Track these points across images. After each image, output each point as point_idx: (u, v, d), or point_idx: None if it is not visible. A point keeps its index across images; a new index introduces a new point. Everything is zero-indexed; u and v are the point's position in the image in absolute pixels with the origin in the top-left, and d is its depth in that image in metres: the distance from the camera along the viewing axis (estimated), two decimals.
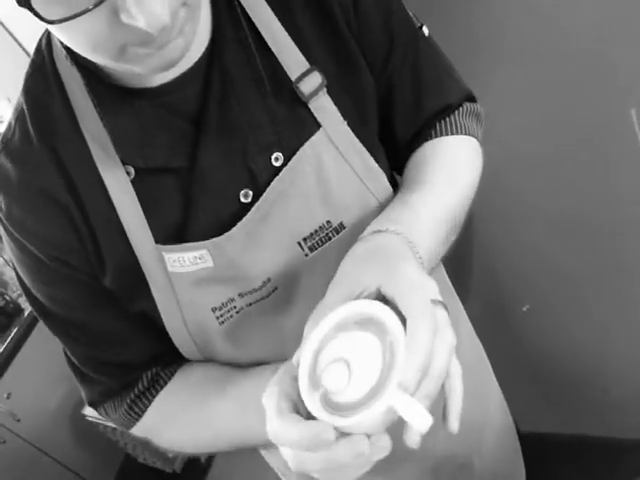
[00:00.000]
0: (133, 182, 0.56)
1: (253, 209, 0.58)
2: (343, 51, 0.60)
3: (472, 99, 0.72)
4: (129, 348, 0.65)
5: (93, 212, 0.57)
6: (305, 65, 0.58)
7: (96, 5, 0.39)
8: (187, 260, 0.57)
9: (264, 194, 0.58)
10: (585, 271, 1.24)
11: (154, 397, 0.66)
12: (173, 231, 0.57)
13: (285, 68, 0.58)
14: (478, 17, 1.03)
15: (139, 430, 0.67)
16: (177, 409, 0.65)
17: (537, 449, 1.08)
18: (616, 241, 1.17)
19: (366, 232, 0.54)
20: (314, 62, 0.59)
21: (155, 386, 0.66)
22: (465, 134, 0.68)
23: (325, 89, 0.59)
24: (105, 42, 0.44)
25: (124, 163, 0.56)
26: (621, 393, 1.36)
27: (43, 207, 0.56)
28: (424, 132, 0.68)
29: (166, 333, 0.64)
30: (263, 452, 0.88)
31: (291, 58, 0.58)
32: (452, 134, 0.68)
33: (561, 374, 1.41)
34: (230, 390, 0.61)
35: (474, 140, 0.69)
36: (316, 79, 0.58)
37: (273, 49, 0.58)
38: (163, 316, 0.60)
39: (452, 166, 0.65)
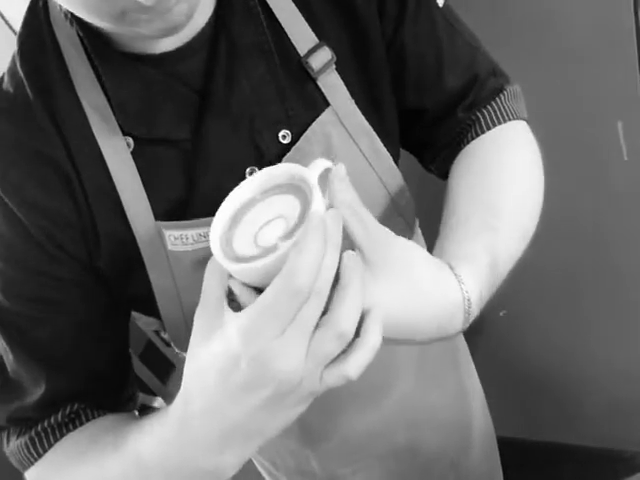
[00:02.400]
0: (133, 154, 0.53)
1: None
2: (356, 29, 0.58)
3: (502, 75, 0.65)
4: (68, 366, 0.57)
5: (90, 184, 0.53)
6: (314, 40, 0.56)
7: None
8: (190, 238, 0.54)
9: None
10: (563, 278, 1.24)
11: (61, 437, 0.56)
12: (174, 207, 0.55)
13: (294, 42, 0.56)
14: None
15: (33, 478, 0.57)
16: (74, 454, 0.55)
17: (509, 454, 1.09)
18: (595, 249, 1.18)
19: (445, 252, 0.50)
20: (324, 37, 0.57)
21: (68, 425, 0.57)
22: (516, 119, 0.62)
23: (334, 65, 0.57)
24: (103, 6, 0.42)
25: (124, 134, 0.53)
26: (594, 402, 1.37)
27: (44, 172, 0.52)
28: (459, 115, 0.62)
29: (114, 362, 0.61)
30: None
31: (300, 32, 0.56)
32: (502, 122, 0.61)
33: (535, 380, 1.41)
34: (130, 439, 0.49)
35: (524, 123, 0.63)
36: (325, 54, 0.56)
37: (281, 21, 0.56)
38: (158, 298, 0.57)
39: (523, 178, 0.59)
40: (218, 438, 0.42)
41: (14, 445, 0.58)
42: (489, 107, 0.62)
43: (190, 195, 0.54)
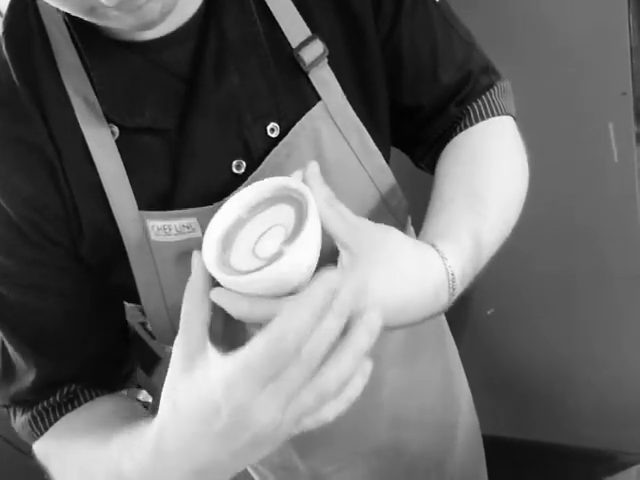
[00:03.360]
0: (117, 142, 0.52)
1: (248, 180, 0.54)
2: (351, 23, 0.57)
3: (494, 72, 0.65)
4: (59, 351, 0.58)
5: (73, 171, 0.52)
6: (307, 32, 0.55)
7: None
8: (174, 228, 0.53)
9: (260, 166, 0.54)
10: (553, 278, 1.25)
11: (61, 416, 0.59)
12: (159, 197, 0.53)
13: (286, 34, 0.55)
14: None
15: (38, 451, 0.59)
16: (71, 439, 0.57)
17: (494, 452, 1.09)
18: (585, 249, 1.18)
19: (429, 233, 0.51)
20: (317, 31, 0.55)
21: (67, 405, 0.59)
22: (504, 114, 0.62)
23: (326, 60, 0.56)
24: (72, 1, 0.42)
25: (109, 122, 0.51)
26: (579, 402, 1.38)
27: (27, 160, 0.51)
28: (452, 110, 0.62)
29: (109, 345, 0.60)
30: None
31: (293, 24, 0.55)
32: (491, 116, 0.61)
33: (521, 379, 1.42)
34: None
35: (511, 119, 0.63)
36: (318, 48, 0.55)
37: (274, 12, 0.54)
38: (140, 290, 0.56)
39: (508, 166, 0.60)
40: (192, 473, 0.42)
41: (19, 421, 0.60)
42: (479, 101, 0.62)
43: (175, 186, 0.53)
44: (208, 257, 0.43)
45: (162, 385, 0.43)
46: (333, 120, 0.57)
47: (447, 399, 0.88)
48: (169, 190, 0.53)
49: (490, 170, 0.58)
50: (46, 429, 0.59)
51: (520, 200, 0.59)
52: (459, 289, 0.49)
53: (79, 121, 0.51)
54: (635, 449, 1.39)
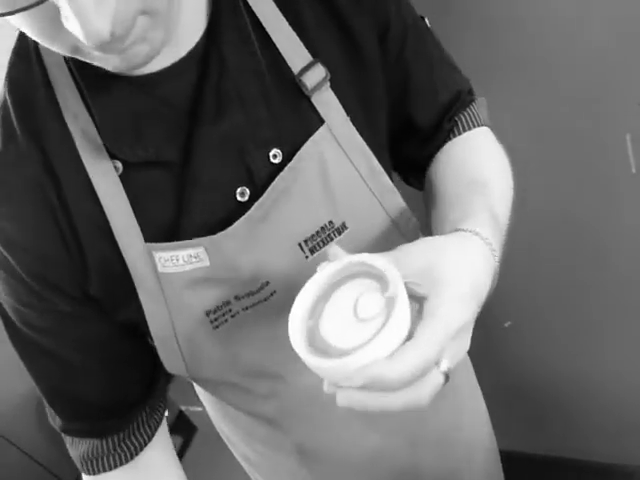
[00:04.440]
0: (121, 177, 0.52)
1: (254, 207, 0.54)
2: (351, 46, 0.57)
3: (472, 92, 0.70)
4: (97, 386, 0.60)
5: (77, 211, 0.52)
6: (308, 57, 0.55)
7: (33, 5, 0.35)
8: (181, 259, 0.53)
9: (266, 192, 0.54)
10: (570, 290, 1.23)
11: (112, 468, 0.62)
12: (164, 229, 0.53)
13: (287, 60, 0.55)
14: (477, 24, 1.02)
15: None
16: None
17: (512, 468, 1.07)
18: (602, 262, 1.16)
19: (447, 227, 0.51)
20: (318, 54, 0.55)
21: (116, 457, 0.62)
22: (484, 125, 0.67)
23: (329, 83, 0.56)
24: (54, 39, 0.41)
25: (112, 157, 0.51)
26: (599, 416, 1.35)
27: (28, 209, 0.51)
28: (445, 126, 0.65)
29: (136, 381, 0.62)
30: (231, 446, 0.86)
31: (293, 50, 0.55)
32: (474, 127, 0.65)
33: (539, 393, 1.39)
34: None
35: (488, 129, 0.67)
36: (320, 72, 0.55)
37: (274, 39, 0.54)
38: (149, 323, 0.56)
39: (497, 164, 0.63)
40: None
41: (75, 452, 0.63)
42: (465, 113, 0.66)
43: (180, 216, 0.53)
44: (294, 334, 0.43)
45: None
46: (338, 142, 0.57)
47: (463, 415, 0.86)
48: (174, 221, 0.53)
49: (483, 164, 0.61)
50: (99, 472, 0.62)
51: (511, 194, 0.61)
52: (498, 256, 0.50)
53: (82, 158, 0.51)
54: None
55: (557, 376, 1.36)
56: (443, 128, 0.65)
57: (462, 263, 0.45)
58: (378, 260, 0.42)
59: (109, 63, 0.43)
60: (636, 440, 1.35)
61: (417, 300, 0.43)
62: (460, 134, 0.65)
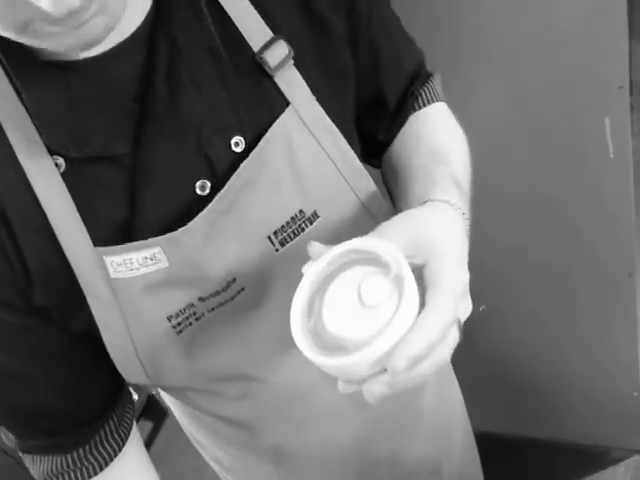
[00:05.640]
0: (64, 175, 0.46)
1: (215, 200, 0.49)
2: (315, 23, 0.52)
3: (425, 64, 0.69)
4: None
5: (16, 216, 0.46)
6: (269, 34, 0.50)
7: None
8: (136, 262, 0.48)
9: (228, 183, 0.49)
10: (545, 274, 1.23)
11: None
12: (116, 230, 0.48)
13: (246, 37, 0.50)
14: (462, 18, 0.99)
15: None
16: None
17: (483, 448, 1.07)
18: (578, 245, 1.16)
19: (415, 201, 0.51)
20: (280, 32, 0.51)
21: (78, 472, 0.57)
22: (443, 101, 0.67)
23: (292, 61, 0.51)
24: (6, 14, 0.35)
25: (52, 153, 0.46)
26: (570, 398, 1.37)
27: None
28: (408, 101, 0.64)
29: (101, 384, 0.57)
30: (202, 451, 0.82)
31: (253, 26, 0.50)
32: (434, 102, 0.65)
33: (511, 374, 1.40)
34: None
35: (444, 104, 0.68)
36: (282, 49, 0.50)
37: (231, 15, 0.49)
38: (102, 333, 0.50)
39: (456, 136, 0.64)
40: None
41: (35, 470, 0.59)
42: (425, 88, 0.65)
43: (133, 215, 0.48)
44: (301, 341, 0.41)
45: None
46: (305, 125, 0.52)
47: (441, 402, 0.85)
48: (127, 221, 0.48)
49: (443, 137, 0.62)
50: None
51: (469, 167, 0.61)
52: (468, 221, 0.51)
53: (18, 157, 0.46)
54: (625, 445, 1.39)
55: (531, 358, 1.36)
56: (407, 104, 0.64)
57: (445, 229, 0.45)
58: (372, 243, 0.41)
59: (63, 41, 0.38)
60: (608, 421, 1.37)
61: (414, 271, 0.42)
62: (420, 108, 0.65)
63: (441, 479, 0.87)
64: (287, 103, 0.52)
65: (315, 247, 0.43)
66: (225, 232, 0.51)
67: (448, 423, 0.88)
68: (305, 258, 0.44)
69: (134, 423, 0.62)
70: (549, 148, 1.08)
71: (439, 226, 0.45)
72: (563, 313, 1.27)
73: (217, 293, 0.53)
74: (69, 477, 0.57)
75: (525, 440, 1.46)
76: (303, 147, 0.53)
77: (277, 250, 0.54)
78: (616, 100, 0.97)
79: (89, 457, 0.57)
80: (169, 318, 0.52)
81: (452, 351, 0.42)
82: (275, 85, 0.52)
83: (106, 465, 0.58)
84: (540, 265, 1.22)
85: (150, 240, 0.48)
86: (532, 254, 1.22)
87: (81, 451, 0.57)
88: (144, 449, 0.64)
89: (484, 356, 1.38)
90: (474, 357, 1.35)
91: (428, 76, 0.67)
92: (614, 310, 1.23)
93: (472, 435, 0.98)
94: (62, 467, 0.57)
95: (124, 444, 0.60)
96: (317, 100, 0.53)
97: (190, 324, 0.53)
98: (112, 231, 0.48)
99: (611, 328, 1.25)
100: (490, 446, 1.11)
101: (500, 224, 1.21)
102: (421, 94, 0.65)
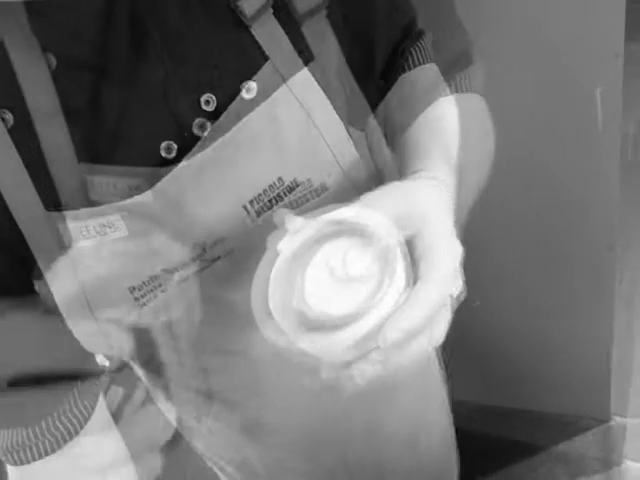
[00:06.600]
0: (11, 131, 0.43)
1: (182, 164, 0.45)
2: None
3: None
4: None
5: None
6: None
7: None
8: (93, 229, 0.45)
9: (196, 146, 0.45)
10: (524, 243, 1.23)
11: None
12: (71, 195, 0.44)
13: None
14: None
15: None
16: None
17: (458, 417, 1.08)
18: (559, 217, 1.16)
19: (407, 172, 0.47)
20: None
21: None
22: (432, 62, 0.62)
23: (271, 10, 0.46)
24: None
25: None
26: (545, 370, 1.39)
27: None
28: (398, 61, 0.60)
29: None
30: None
31: None
32: (425, 62, 0.60)
33: (486, 345, 1.42)
34: None
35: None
36: None
37: None
38: (57, 298, 0.47)
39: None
40: None
41: None
42: (416, 47, 0.60)
43: (91, 179, 0.44)
44: (283, 321, 0.37)
45: None
46: (286, 84, 0.47)
47: (420, 375, 0.82)
48: (84, 184, 0.44)
49: (446, 112, 0.57)
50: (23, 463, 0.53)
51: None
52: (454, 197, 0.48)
53: None
54: (594, 415, 1.42)
55: (505, 330, 1.38)
56: (397, 64, 0.59)
57: (434, 200, 0.42)
58: (364, 213, 0.38)
59: None
60: (578, 391, 1.39)
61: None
62: (410, 69, 0.59)
63: (417, 454, 0.86)
64: (266, 58, 0.47)
65: (295, 221, 0.39)
66: (192, 200, 0.47)
67: (424, 394, 0.86)
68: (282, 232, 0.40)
69: (100, 393, 0.60)
70: (537, 120, 1.05)
71: (428, 197, 0.41)
72: (540, 284, 1.27)
73: (184, 265, 0.49)
74: (32, 451, 0.53)
75: (497, 410, 1.49)
76: (283, 108, 0.48)
77: (253, 220, 0.50)
78: (611, 69, 0.94)
79: (51, 429, 0.54)
80: (131, 290, 0.48)
81: (447, 323, 0.39)
82: (252, 38, 0.46)
83: (71, 438, 0.54)
84: (520, 234, 1.21)
85: (108, 206, 0.44)
86: (513, 224, 1.22)
87: (43, 424, 0.53)
88: (112, 424, 0.62)
89: (463, 327, 1.37)
90: (452, 328, 1.34)
91: (419, 34, 0.62)
92: (592, 282, 1.23)
93: (450, 414, 0.97)
94: (23, 441, 0.53)
95: (90, 416, 0.56)
96: (299, 55, 0.48)
97: (155, 296, 0.49)
98: (67, 195, 0.44)
99: (589, 300, 1.26)
100: (468, 415, 1.10)
101: (482, 197, 1.18)
102: (412, 53, 0.60)
